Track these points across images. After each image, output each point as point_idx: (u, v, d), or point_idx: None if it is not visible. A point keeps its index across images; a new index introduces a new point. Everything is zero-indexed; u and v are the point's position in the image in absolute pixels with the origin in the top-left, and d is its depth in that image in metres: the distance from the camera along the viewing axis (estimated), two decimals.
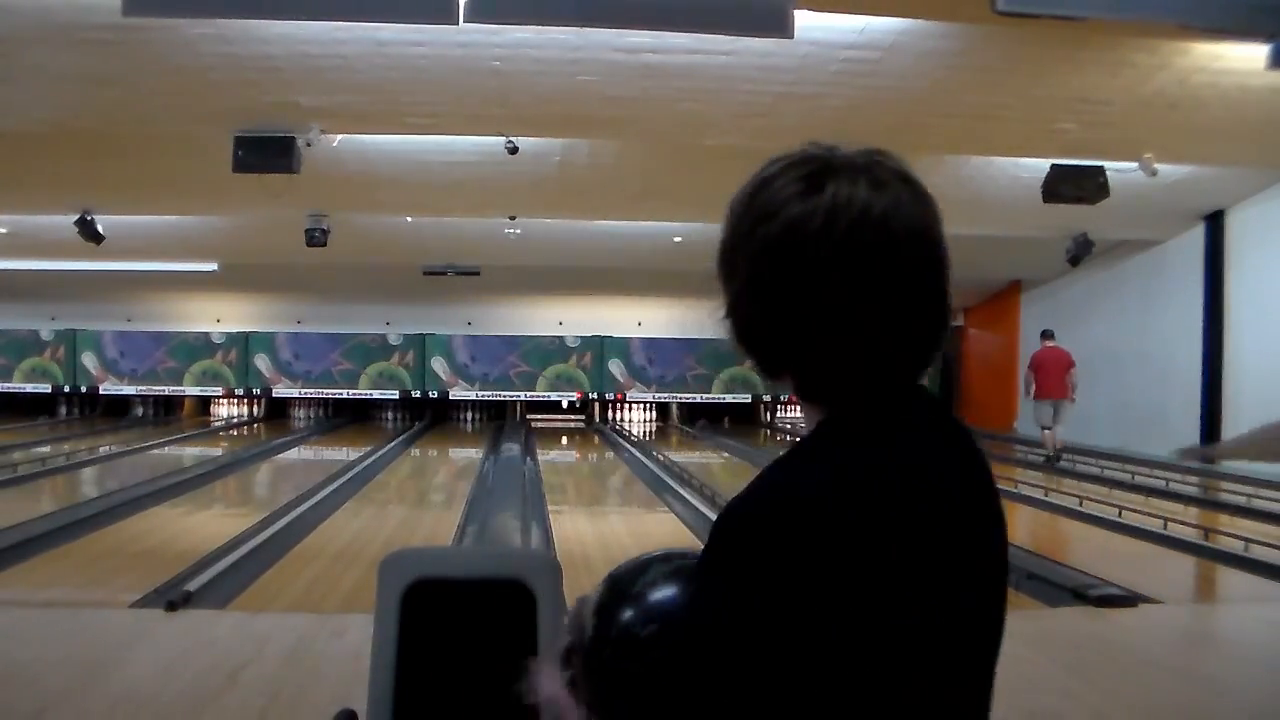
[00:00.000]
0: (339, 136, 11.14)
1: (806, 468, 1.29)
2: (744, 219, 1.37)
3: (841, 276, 1.27)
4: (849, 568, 1.21)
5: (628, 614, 1.39)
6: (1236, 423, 15.78)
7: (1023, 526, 11.03)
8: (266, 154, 10.53)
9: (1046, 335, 17.26)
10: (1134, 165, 11.64)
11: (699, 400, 26.41)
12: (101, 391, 25.91)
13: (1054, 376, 16.73)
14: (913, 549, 1.24)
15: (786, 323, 1.31)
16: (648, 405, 27.07)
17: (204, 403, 27.02)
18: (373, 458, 17.65)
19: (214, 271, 20.42)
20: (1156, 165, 11.60)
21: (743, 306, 1.37)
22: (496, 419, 26.32)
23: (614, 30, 8.18)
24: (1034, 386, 16.84)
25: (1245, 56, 8.84)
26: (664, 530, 11.10)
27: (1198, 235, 16.53)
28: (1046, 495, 12.91)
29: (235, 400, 26.95)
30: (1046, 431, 16.64)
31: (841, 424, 1.32)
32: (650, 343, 26.20)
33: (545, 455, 19.21)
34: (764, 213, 1.33)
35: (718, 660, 1.23)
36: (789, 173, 1.35)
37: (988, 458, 1.38)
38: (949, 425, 1.37)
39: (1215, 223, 16.22)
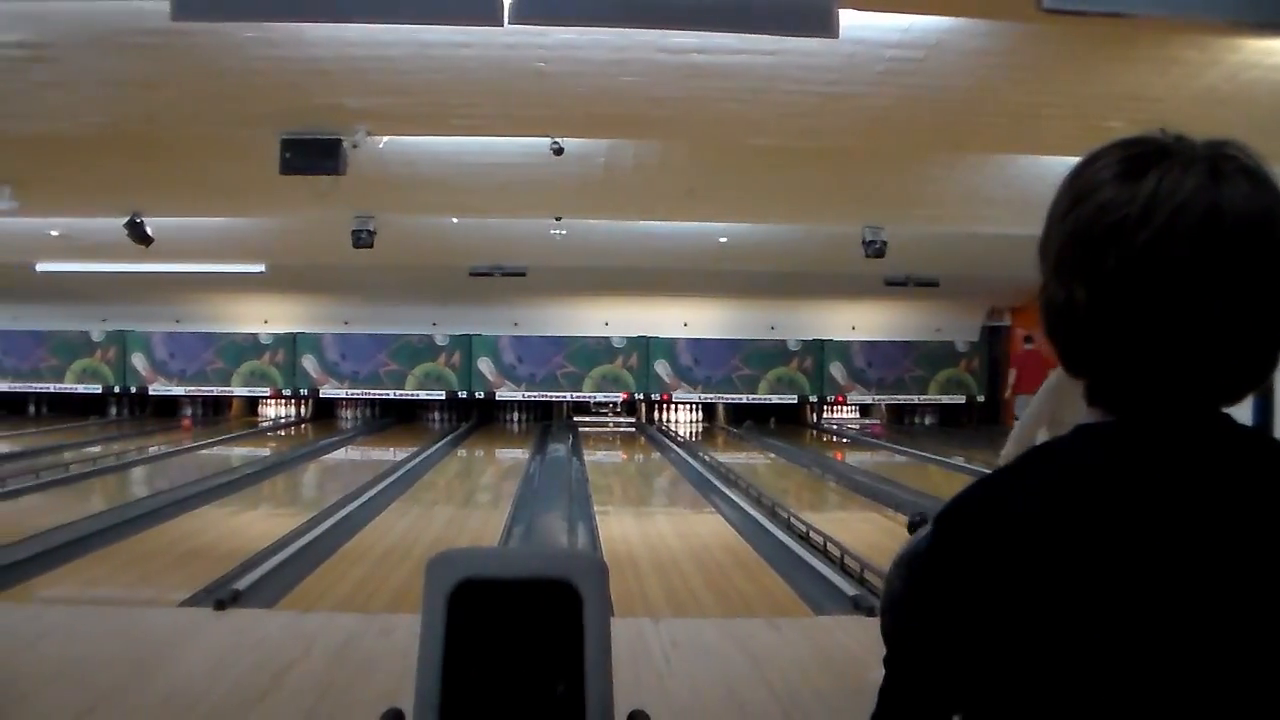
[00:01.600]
0: (385, 138, 11.17)
1: (1032, 473, 1.23)
2: (1062, 198, 1.28)
3: (1153, 271, 1.13)
4: (1025, 589, 1.15)
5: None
6: None
7: None
8: (313, 156, 10.57)
9: (1028, 340, 20.00)
10: None
11: (745, 401, 26.35)
12: (151, 392, 26.12)
13: (1033, 375, 17.78)
14: (1115, 581, 1.13)
15: (1084, 318, 1.19)
16: (694, 406, 27.05)
17: (252, 403, 27.21)
18: (419, 458, 17.74)
19: (261, 273, 20.54)
20: None
21: (1045, 293, 1.27)
22: (543, 419, 26.37)
23: (658, 31, 8.17)
24: (1015, 384, 19.55)
25: None
26: (710, 530, 11.09)
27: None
28: None
29: (283, 401, 27.13)
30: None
31: (1092, 435, 1.23)
32: (696, 343, 26.16)
33: (591, 455, 19.24)
34: (1080, 194, 1.23)
35: (902, 626, 1.34)
36: (1114, 153, 1.24)
37: None
38: (1242, 452, 1.18)
39: None
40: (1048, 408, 6.18)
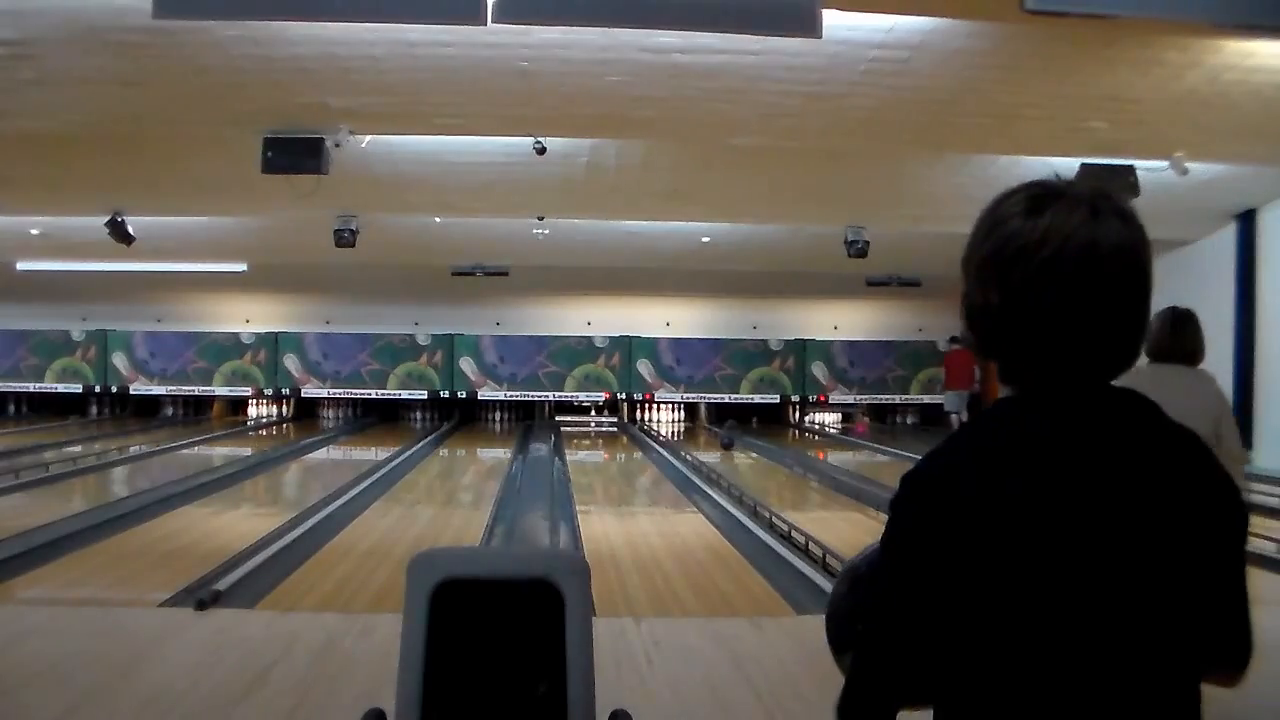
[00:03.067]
0: (368, 137, 11.17)
1: (960, 436, 1.66)
2: (980, 226, 1.65)
3: (1045, 285, 1.55)
4: (954, 517, 1.53)
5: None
6: (1270, 423, 15.68)
7: None
8: (295, 155, 10.56)
9: (954, 340, 23.49)
10: (1165, 164, 11.56)
11: (727, 400, 26.37)
12: (132, 392, 26.05)
13: (961, 373, 22.89)
14: (1022, 521, 1.51)
15: (997, 316, 1.61)
16: (676, 405, 27.08)
17: (234, 403, 27.16)
18: (401, 458, 17.71)
19: (243, 272, 20.53)
20: (1188, 164, 11.53)
21: (967, 298, 1.67)
22: (525, 419, 26.38)
23: (642, 31, 8.17)
24: (945, 381, 23.51)
25: (1277, 54, 8.79)
26: (692, 530, 11.09)
27: (1229, 235, 16.41)
28: None
29: (264, 400, 27.09)
30: (954, 415, 22.47)
31: (1010, 402, 1.65)
32: (678, 343, 26.18)
33: (573, 455, 19.23)
34: (995, 223, 1.62)
35: (876, 588, 1.66)
36: (1021, 193, 1.63)
37: (1194, 449, 1.62)
38: (1127, 414, 1.61)
39: (1247, 222, 16.11)
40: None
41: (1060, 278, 1.54)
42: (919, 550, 1.55)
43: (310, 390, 26.17)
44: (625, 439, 23.33)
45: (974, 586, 1.51)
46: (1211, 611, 1.58)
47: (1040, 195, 1.60)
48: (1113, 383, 1.62)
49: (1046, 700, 1.50)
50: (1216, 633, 1.61)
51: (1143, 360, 3.78)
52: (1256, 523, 11.06)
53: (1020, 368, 1.63)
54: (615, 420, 26.71)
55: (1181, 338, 5.09)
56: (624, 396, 26.28)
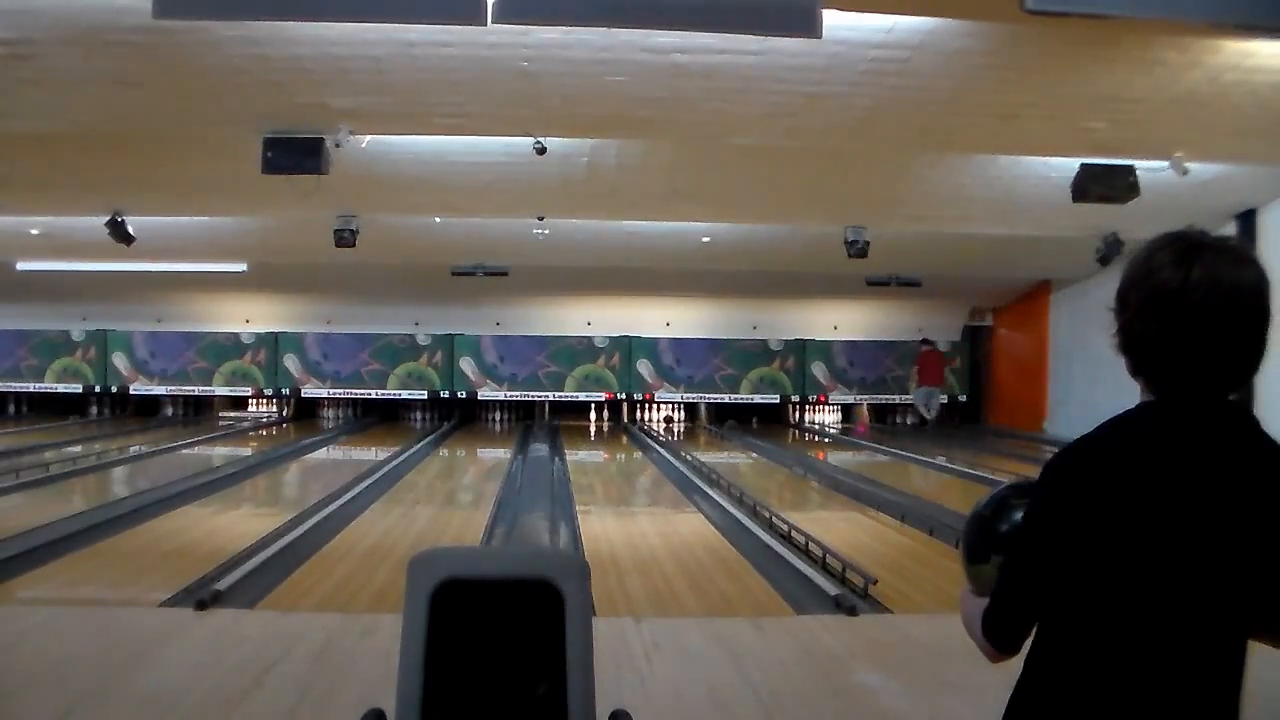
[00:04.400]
0: (368, 137, 11.16)
1: (1105, 430, 2.06)
2: (1137, 270, 2.05)
3: (1196, 320, 1.96)
4: (1091, 489, 1.99)
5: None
6: (1270, 423, 15.65)
7: None
8: (295, 155, 10.56)
9: (926, 342, 25.69)
10: (1165, 164, 11.55)
11: (727, 400, 26.38)
12: (132, 392, 26.06)
13: (932, 372, 25.36)
14: (1140, 488, 1.96)
15: (1149, 339, 2.02)
16: (676, 405, 27.09)
17: (234, 403, 27.18)
18: (401, 458, 17.72)
19: (243, 272, 20.51)
20: (1187, 164, 11.52)
21: (1130, 325, 2.05)
22: (525, 419, 26.38)
23: (642, 31, 8.17)
24: (918, 377, 25.49)
25: (1277, 54, 8.79)
26: (692, 530, 11.10)
27: (1229, 234, 16.40)
28: None
29: (264, 400, 27.10)
30: (923, 407, 25.32)
31: (1150, 409, 2.06)
32: (678, 343, 26.17)
33: (573, 455, 19.24)
34: (1151, 270, 2.01)
35: (1022, 538, 2.14)
36: (1171, 245, 2.04)
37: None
38: (1239, 427, 2.03)
39: (1247, 222, 16.09)
40: None
41: (1207, 314, 1.95)
42: (1056, 508, 2.03)
43: (310, 390, 26.17)
44: (625, 439, 23.34)
45: (1091, 542, 1.98)
46: (1271, 589, 1.98)
47: (1187, 247, 2.01)
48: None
49: (1124, 635, 1.97)
50: (1273, 606, 1.99)
51: None
52: None
53: (1165, 381, 2.03)
54: (618, 419, 26.74)
55: None
56: (624, 396, 26.27)
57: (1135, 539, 1.95)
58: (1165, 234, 2.06)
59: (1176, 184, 12.06)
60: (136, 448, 19.27)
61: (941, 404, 25.81)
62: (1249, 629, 2.00)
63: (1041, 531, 2.06)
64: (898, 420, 26.90)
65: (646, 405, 26.72)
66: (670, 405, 27.03)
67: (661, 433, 24.30)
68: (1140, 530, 1.94)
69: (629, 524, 11.91)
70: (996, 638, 2.14)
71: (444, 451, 20.13)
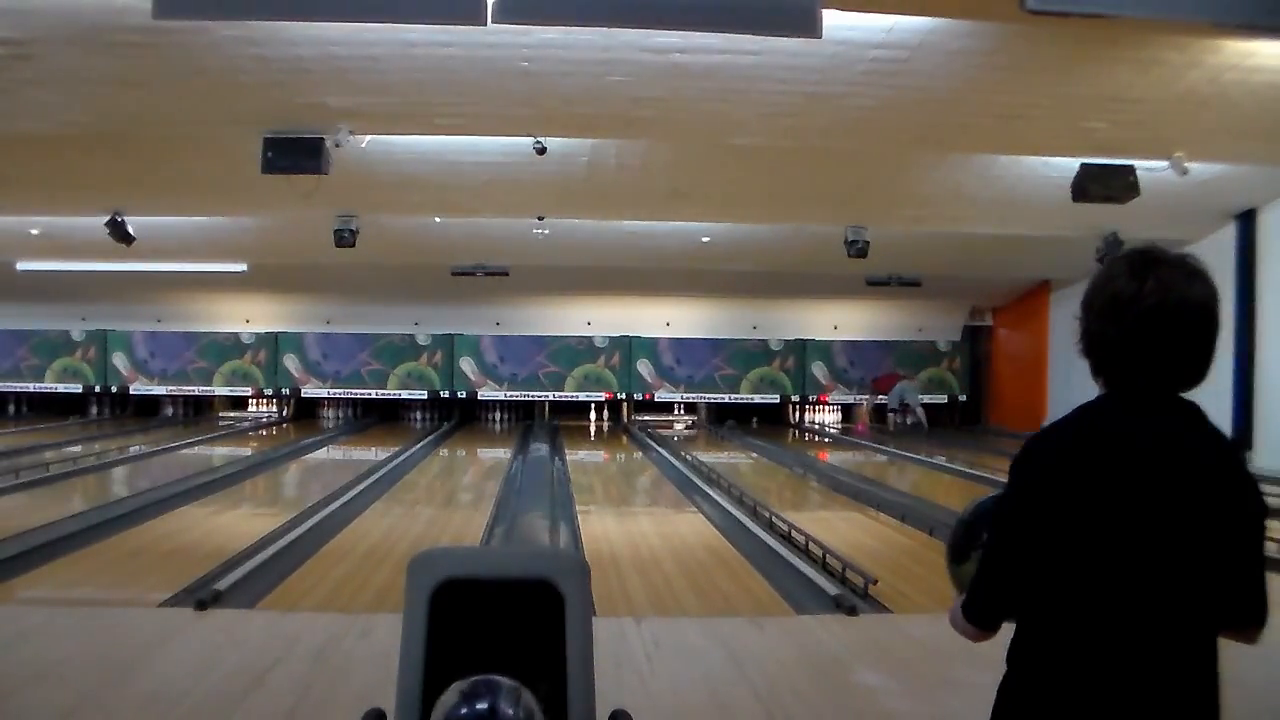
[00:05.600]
0: (368, 137, 11.16)
1: (1066, 419, 2.23)
2: (1098, 281, 2.25)
3: (1149, 325, 2.15)
4: (1055, 475, 2.17)
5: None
6: (1271, 423, 15.68)
7: None
8: (295, 155, 10.55)
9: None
10: (1164, 164, 11.55)
11: (727, 400, 26.38)
12: (132, 391, 26.06)
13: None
14: (1099, 475, 2.13)
15: (1106, 342, 2.21)
16: (676, 405, 27.11)
17: (234, 403, 27.19)
18: (401, 458, 17.72)
19: (243, 272, 20.50)
20: (1187, 164, 11.52)
21: (1085, 333, 2.27)
22: (525, 419, 26.38)
23: (642, 31, 8.17)
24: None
25: (1277, 54, 8.79)
26: (692, 530, 11.09)
27: (1229, 235, 16.40)
28: None
29: (264, 400, 27.10)
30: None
31: (1106, 400, 2.25)
32: (679, 343, 26.18)
33: (573, 455, 19.24)
34: (1110, 279, 2.22)
35: (995, 520, 2.29)
36: (1130, 259, 2.22)
37: (1232, 455, 2.20)
38: (1187, 422, 2.19)
39: (1247, 222, 16.11)
40: None
41: (1158, 321, 2.14)
42: (1027, 495, 2.20)
43: (310, 390, 26.18)
44: (625, 439, 23.34)
45: (1059, 528, 2.14)
46: (1227, 573, 2.13)
47: (1142, 261, 2.19)
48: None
49: (1096, 616, 2.12)
50: (1232, 592, 2.15)
51: None
52: None
53: (1121, 378, 2.22)
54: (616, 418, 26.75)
55: None
56: (624, 396, 26.26)
57: (1097, 517, 2.12)
58: (1128, 249, 2.28)
59: (1176, 184, 12.06)
60: (136, 448, 19.28)
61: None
62: (1215, 617, 2.16)
63: (1014, 511, 2.23)
64: (897, 420, 26.88)
65: (646, 406, 26.74)
66: (675, 407, 27.12)
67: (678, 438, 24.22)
68: (1101, 508, 2.12)
69: (629, 524, 11.90)
70: (975, 615, 2.31)
71: (444, 451, 20.13)
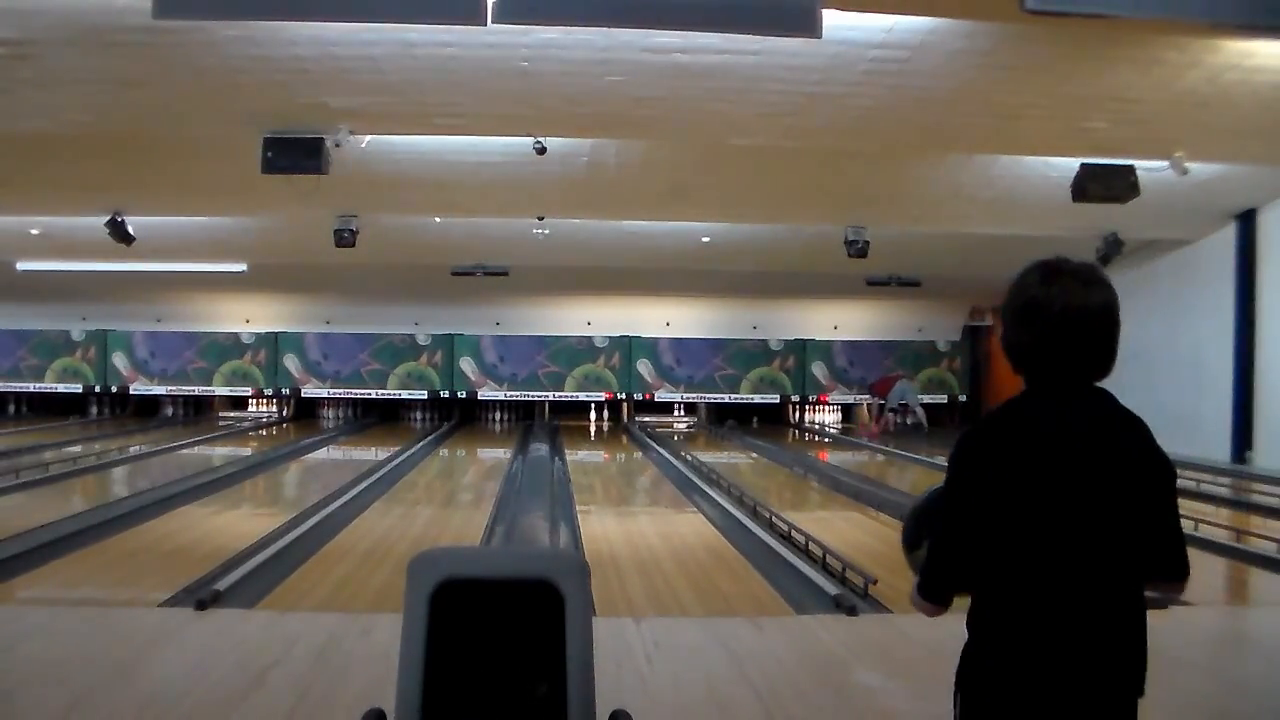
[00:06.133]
0: (367, 137, 11.16)
1: (993, 413, 2.55)
2: (1014, 287, 2.55)
3: (1056, 329, 2.45)
4: (988, 462, 2.44)
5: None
6: (1271, 423, 15.68)
7: None
8: (295, 155, 10.55)
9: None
10: (1164, 164, 11.56)
11: (727, 400, 26.39)
12: (132, 391, 26.07)
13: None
14: (1026, 458, 2.42)
15: (1021, 346, 2.52)
16: (676, 405, 27.11)
17: (234, 403, 27.20)
18: (401, 458, 17.72)
19: (243, 272, 20.51)
20: (1187, 164, 11.52)
21: (1004, 335, 2.58)
22: (525, 419, 26.39)
23: (642, 31, 8.17)
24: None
25: (1277, 54, 8.79)
26: (692, 530, 11.09)
27: (1229, 235, 16.41)
28: None
29: (264, 400, 27.11)
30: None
31: (1028, 393, 2.53)
32: (679, 343, 26.19)
33: (573, 455, 19.23)
34: (1024, 288, 2.52)
35: (943, 509, 2.53)
36: (1038, 270, 2.52)
37: (1139, 428, 2.49)
38: (1098, 405, 2.48)
39: (1247, 222, 16.11)
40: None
41: (1065, 326, 2.44)
42: (966, 483, 2.46)
43: (310, 390, 26.19)
44: (625, 439, 23.34)
45: (998, 508, 2.41)
46: (1149, 533, 2.44)
47: (1050, 272, 2.49)
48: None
49: (1038, 579, 2.40)
50: (1155, 550, 2.46)
51: None
52: (1256, 523, 11.07)
53: (1038, 376, 2.51)
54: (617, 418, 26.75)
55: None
56: (624, 396, 26.27)
57: (1029, 493, 2.40)
58: (1039, 260, 2.55)
59: (1176, 184, 12.07)
60: (136, 448, 19.27)
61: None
62: (1141, 573, 2.48)
63: (957, 496, 2.49)
64: (897, 420, 26.87)
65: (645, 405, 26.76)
66: (676, 407, 27.14)
67: (678, 437, 24.21)
68: (1031, 486, 2.40)
69: (629, 524, 11.90)
70: (928, 591, 2.56)
71: (444, 451, 20.14)
